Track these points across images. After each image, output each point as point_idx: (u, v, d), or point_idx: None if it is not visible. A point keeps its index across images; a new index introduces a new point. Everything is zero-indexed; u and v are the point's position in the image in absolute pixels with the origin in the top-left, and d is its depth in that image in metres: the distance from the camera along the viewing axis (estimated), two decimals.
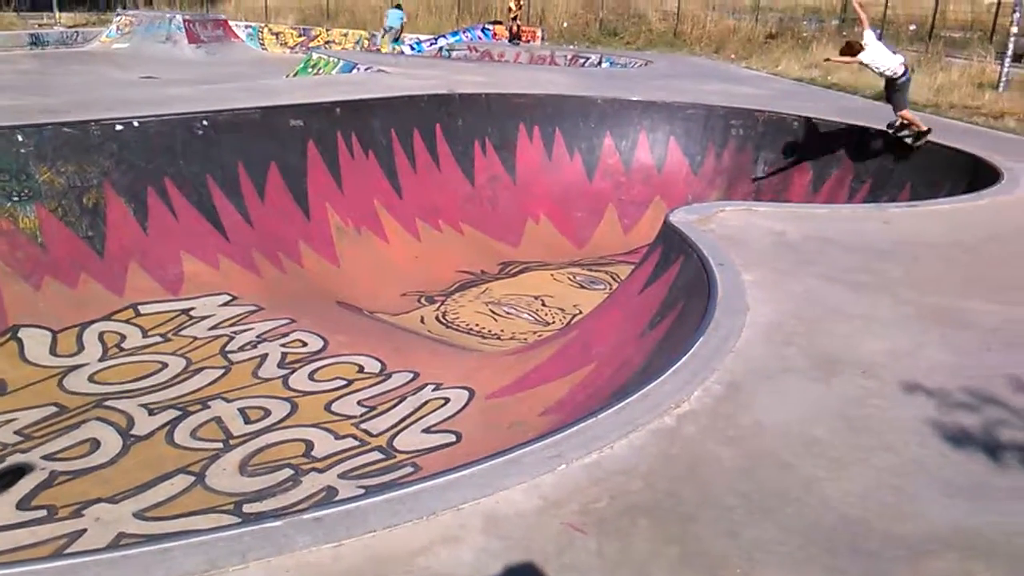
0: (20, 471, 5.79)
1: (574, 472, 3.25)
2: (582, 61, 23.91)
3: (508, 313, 9.64)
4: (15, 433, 6.26)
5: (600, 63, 23.12)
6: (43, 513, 5.36)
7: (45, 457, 5.97)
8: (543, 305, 9.92)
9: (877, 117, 11.73)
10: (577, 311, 9.57)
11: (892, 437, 3.63)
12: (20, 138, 8.32)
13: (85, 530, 5.21)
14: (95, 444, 6.20)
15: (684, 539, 2.90)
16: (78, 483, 5.71)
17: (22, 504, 5.45)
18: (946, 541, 2.95)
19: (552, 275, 11.04)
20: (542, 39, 28.16)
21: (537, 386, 6.51)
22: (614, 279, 10.70)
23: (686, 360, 4.27)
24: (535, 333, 9.00)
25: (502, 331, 9.13)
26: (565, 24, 27.15)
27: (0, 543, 5.02)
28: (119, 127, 9.03)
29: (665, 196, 12.66)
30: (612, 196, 13.03)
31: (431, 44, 27.66)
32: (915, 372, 4.23)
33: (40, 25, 31.88)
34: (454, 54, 25.95)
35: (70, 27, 32.03)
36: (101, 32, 31.38)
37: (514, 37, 26.99)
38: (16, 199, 8.13)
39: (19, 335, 7.47)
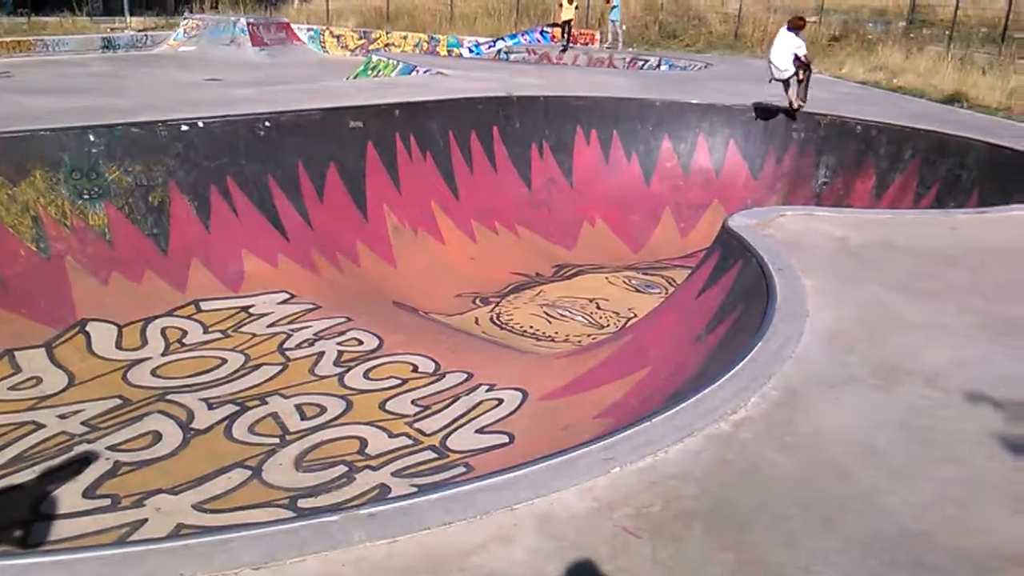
0: (86, 460, 5.97)
1: (628, 476, 3.22)
2: (641, 64, 23.73)
3: (562, 315, 9.62)
4: (82, 423, 6.46)
5: (659, 66, 22.92)
6: (107, 502, 5.51)
7: (109, 448, 6.15)
8: (598, 308, 9.87)
9: (945, 121, 11.43)
10: (632, 315, 9.50)
11: (957, 449, 3.52)
12: (92, 138, 8.58)
13: (146, 520, 5.35)
14: (157, 436, 6.36)
15: (739, 546, 2.85)
16: (140, 474, 5.86)
17: (87, 492, 5.62)
18: (1014, 558, 2.85)
19: (607, 278, 10.98)
20: (600, 42, 28.00)
21: (591, 389, 6.48)
22: (670, 283, 10.60)
23: (743, 366, 4.19)
24: (589, 336, 8.96)
25: (556, 333, 9.11)
26: (624, 27, 27.02)
27: (67, 529, 5.19)
28: (184, 127, 9.26)
29: (724, 200, 12.51)
30: (669, 199, 12.92)
31: (489, 47, 27.80)
32: (981, 383, 4.10)
33: (112, 29, 32.83)
34: (512, 56, 25.99)
35: (140, 31, 32.93)
36: (169, 35, 32.27)
37: (564, 41, 26.07)
38: (87, 197, 8.40)
39: (87, 328, 7.70)
